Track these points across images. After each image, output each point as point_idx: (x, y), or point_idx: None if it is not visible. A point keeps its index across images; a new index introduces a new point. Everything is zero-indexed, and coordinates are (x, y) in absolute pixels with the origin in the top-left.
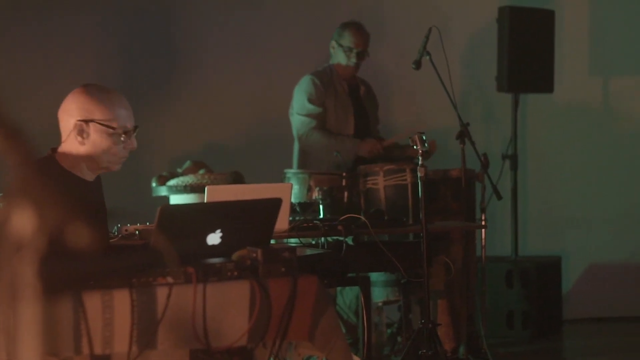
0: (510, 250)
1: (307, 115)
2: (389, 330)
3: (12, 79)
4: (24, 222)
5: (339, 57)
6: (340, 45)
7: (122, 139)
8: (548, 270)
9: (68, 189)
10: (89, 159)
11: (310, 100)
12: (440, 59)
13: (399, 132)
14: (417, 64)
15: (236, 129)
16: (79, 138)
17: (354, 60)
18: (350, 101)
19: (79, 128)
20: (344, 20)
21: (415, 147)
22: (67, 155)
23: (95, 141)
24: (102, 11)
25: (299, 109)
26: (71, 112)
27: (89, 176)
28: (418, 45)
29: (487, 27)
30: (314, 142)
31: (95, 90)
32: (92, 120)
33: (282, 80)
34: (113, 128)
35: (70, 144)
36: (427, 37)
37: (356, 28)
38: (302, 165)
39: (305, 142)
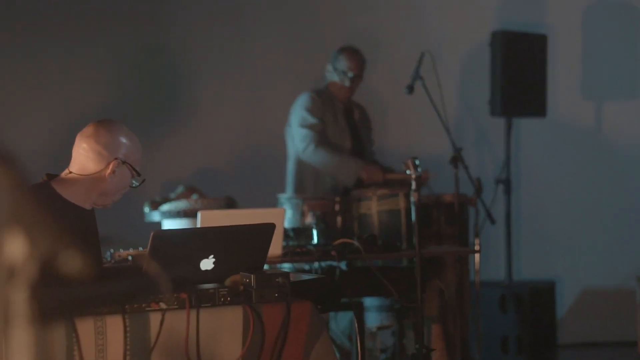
0: (504, 275)
1: (309, 127)
2: (382, 356)
3: (4, 103)
4: (16, 248)
5: (334, 79)
6: (335, 69)
7: (134, 183)
8: (542, 295)
9: (62, 216)
10: (102, 194)
11: (310, 113)
12: (433, 83)
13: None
14: (410, 89)
15: (229, 154)
16: (109, 174)
17: (347, 84)
18: (347, 123)
19: (115, 165)
20: (336, 45)
21: (408, 172)
22: (68, 182)
23: (118, 181)
24: (93, 39)
25: (300, 122)
26: (109, 147)
27: (86, 205)
28: (411, 70)
29: (480, 52)
30: (318, 158)
31: (132, 133)
32: (127, 163)
33: (275, 105)
34: (139, 174)
35: (84, 173)
36: (420, 62)
37: (352, 52)
38: (297, 186)
39: (307, 156)
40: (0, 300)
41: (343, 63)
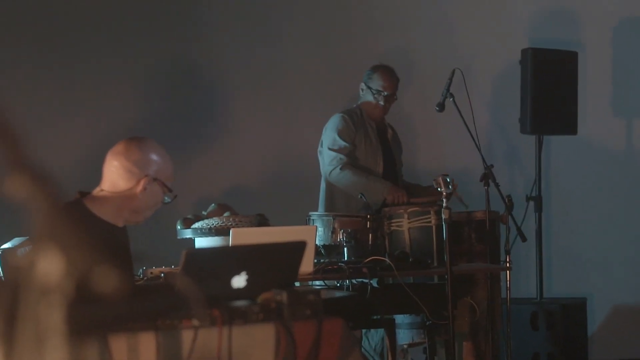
0: (535, 292)
1: (338, 150)
2: None
3: (37, 121)
4: (51, 266)
5: (368, 99)
6: (369, 88)
7: (166, 199)
8: (573, 312)
9: (95, 233)
10: (133, 211)
11: (341, 136)
12: (464, 101)
13: (426, 191)
14: (441, 106)
15: (261, 172)
16: (140, 191)
17: (381, 103)
18: (379, 143)
19: (146, 182)
20: (368, 63)
21: (439, 189)
22: (100, 200)
23: (150, 198)
24: (126, 56)
25: (330, 144)
26: (140, 164)
27: (118, 223)
28: (441, 88)
29: (511, 69)
30: (344, 179)
31: (163, 149)
32: (158, 180)
33: (307, 123)
34: (170, 191)
35: (115, 190)
36: (451, 79)
37: (386, 71)
38: (328, 205)
39: (334, 178)
40: (34, 319)
41: (377, 82)
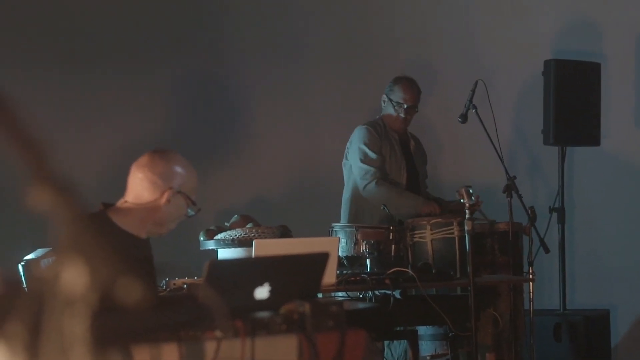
0: (558, 304)
1: (370, 163)
2: None
3: (62, 132)
4: (75, 277)
5: (389, 111)
6: (390, 100)
7: (190, 212)
8: (596, 323)
9: (119, 245)
10: (157, 223)
11: (370, 148)
12: (487, 112)
13: (449, 206)
14: (464, 118)
15: (284, 183)
16: (164, 203)
17: (402, 115)
18: (402, 154)
19: (170, 195)
20: (389, 75)
21: (462, 200)
22: (124, 211)
23: (173, 210)
24: (149, 68)
25: (360, 157)
26: (164, 176)
27: (142, 234)
28: (464, 99)
29: (533, 80)
30: (379, 194)
31: (187, 162)
32: (182, 192)
33: (329, 134)
34: (194, 204)
35: (139, 202)
36: (474, 91)
37: (407, 83)
38: (350, 216)
39: (369, 193)
40: (59, 330)
41: (398, 94)
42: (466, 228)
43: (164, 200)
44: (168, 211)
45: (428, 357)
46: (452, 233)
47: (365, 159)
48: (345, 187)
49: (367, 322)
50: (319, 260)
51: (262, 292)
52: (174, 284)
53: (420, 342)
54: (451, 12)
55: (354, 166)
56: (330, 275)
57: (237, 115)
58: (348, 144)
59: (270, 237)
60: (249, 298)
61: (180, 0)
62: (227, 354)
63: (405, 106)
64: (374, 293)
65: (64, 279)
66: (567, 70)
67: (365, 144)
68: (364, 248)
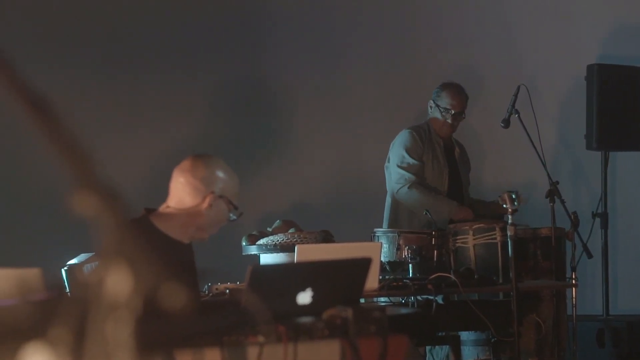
0: (601, 309)
1: (406, 168)
2: None
3: (104, 138)
4: (119, 282)
5: (436, 116)
6: (438, 106)
7: (232, 216)
8: None
9: (162, 250)
10: (199, 228)
11: (409, 153)
12: (529, 117)
13: (489, 207)
14: (506, 123)
15: (326, 188)
16: (206, 208)
17: (450, 121)
18: (446, 160)
19: (212, 199)
20: (431, 80)
21: (504, 205)
22: (166, 216)
23: (215, 215)
24: (190, 73)
25: (398, 162)
26: (206, 181)
27: (184, 239)
28: (507, 104)
29: (576, 85)
30: (411, 198)
31: (229, 166)
32: (224, 197)
33: (371, 138)
34: (236, 208)
35: (181, 207)
36: (516, 95)
37: (455, 89)
38: (392, 221)
39: (401, 196)
40: (103, 335)
41: (445, 100)
42: (509, 233)
43: (205, 205)
44: (210, 216)
45: None
46: (495, 238)
47: (402, 164)
48: (388, 191)
49: (410, 328)
50: (362, 265)
51: (304, 298)
52: (217, 289)
53: (462, 348)
54: (493, 17)
55: (392, 169)
56: (372, 281)
57: (279, 120)
58: (390, 147)
59: (312, 242)
60: (291, 303)
61: (221, 5)
62: (270, 358)
63: (453, 112)
64: (416, 298)
65: (108, 284)
66: (610, 74)
67: (406, 149)
68: (406, 253)
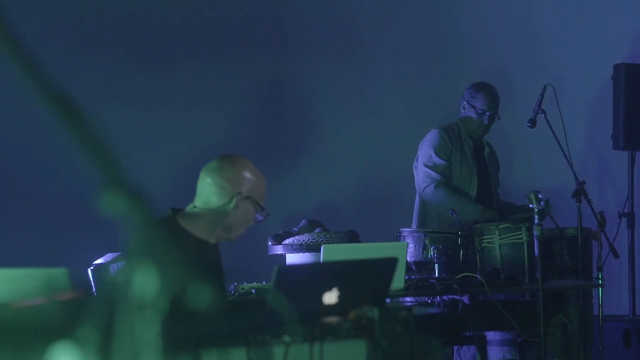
0: (627, 309)
1: (433, 168)
2: None
3: (131, 139)
4: (146, 282)
5: (471, 115)
6: (473, 107)
7: (258, 217)
8: None
9: (188, 250)
10: (226, 228)
11: (437, 153)
12: (556, 117)
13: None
14: (533, 122)
15: (351, 188)
16: (233, 208)
17: (485, 122)
18: (475, 161)
19: (239, 200)
20: (457, 78)
21: (531, 205)
22: (193, 216)
23: (242, 215)
24: (217, 74)
25: (425, 161)
26: (233, 182)
27: (211, 239)
28: (533, 104)
29: (602, 85)
30: (436, 198)
31: (256, 167)
32: (250, 197)
33: (398, 138)
34: (263, 209)
35: (208, 207)
36: (542, 95)
37: (489, 91)
38: (421, 221)
39: (427, 196)
40: (130, 334)
41: (481, 101)
42: (535, 233)
43: (232, 205)
44: (236, 216)
45: None
46: (521, 238)
47: (429, 163)
48: (416, 191)
49: (436, 328)
50: (388, 265)
51: (330, 297)
52: (243, 289)
53: (488, 348)
54: (520, 17)
55: (420, 168)
56: (398, 281)
57: (305, 120)
58: (419, 146)
59: (338, 242)
60: (317, 303)
61: (251, 5)
62: (296, 358)
63: (488, 113)
64: (442, 298)
65: (135, 284)
66: (637, 74)
67: (434, 148)
68: (432, 253)
